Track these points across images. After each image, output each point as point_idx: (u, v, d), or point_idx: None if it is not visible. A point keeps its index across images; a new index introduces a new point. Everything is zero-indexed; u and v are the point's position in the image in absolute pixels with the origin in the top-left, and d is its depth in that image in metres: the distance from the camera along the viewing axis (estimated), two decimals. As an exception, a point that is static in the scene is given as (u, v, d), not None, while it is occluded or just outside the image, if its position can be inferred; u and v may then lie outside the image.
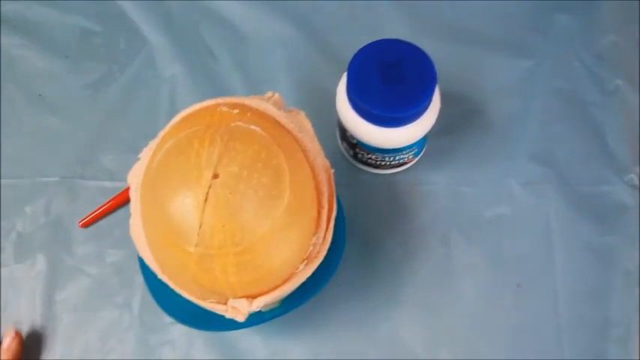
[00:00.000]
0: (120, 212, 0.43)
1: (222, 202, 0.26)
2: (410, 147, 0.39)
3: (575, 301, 0.40)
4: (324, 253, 0.31)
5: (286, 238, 0.28)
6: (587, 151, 0.44)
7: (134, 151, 0.33)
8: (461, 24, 0.49)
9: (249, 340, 0.39)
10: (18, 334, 0.39)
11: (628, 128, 0.45)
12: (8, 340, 0.39)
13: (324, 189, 0.32)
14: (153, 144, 0.32)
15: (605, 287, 0.40)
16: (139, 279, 0.40)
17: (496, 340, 0.40)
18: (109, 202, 0.43)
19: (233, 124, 0.29)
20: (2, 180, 0.44)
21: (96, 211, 0.43)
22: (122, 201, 0.43)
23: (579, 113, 0.46)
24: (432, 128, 0.39)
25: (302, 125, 0.33)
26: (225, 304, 0.30)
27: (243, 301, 0.29)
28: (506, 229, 0.42)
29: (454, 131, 0.45)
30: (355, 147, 0.40)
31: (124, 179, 0.32)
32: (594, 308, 0.40)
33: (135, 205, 0.31)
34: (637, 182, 0.43)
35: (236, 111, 0.30)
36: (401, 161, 0.41)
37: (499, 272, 0.41)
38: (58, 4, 0.50)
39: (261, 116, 0.31)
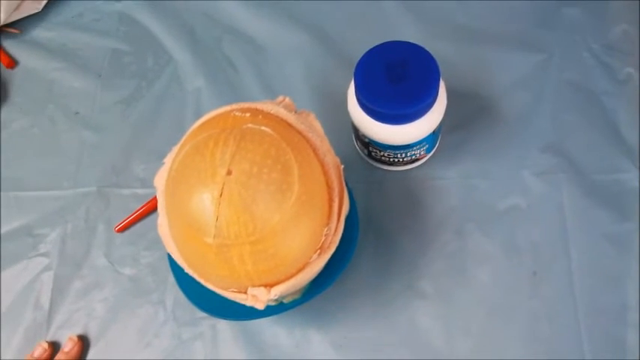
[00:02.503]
0: (153, 217, 0.47)
1: (236, 196, 0.29)
2: (420, 143, 0.41)
3: (591, 288, 0.41)
4: (336, 243, 0.33)
5: (297, 229, 0.31)
6: (600, 140, 0.45)
7: (163, 160, 0.35)
8: (470, 23, 0.50)
9: (273, 331, 0.42)
10: (80, 340, 0.42)
11: (641, 115, 0.45)
12: (70, 345, 0.42)
13: (335, 184, 0.34)
14: (175, 149, 0.35)
15: (622, 273, 0.41)
16: (172, 278, 0.43)
17: (513, 327, 0.40)
18: (142, 207, 0.46)
19: (245, 126, 0.31)
20: (46, 192, 0.48)
21: (130, 216, 0.46)
22: (154, 206, 0.46)
23: (591, 103, 0.46)
24: (444, 125, 0.40)
25: (312, 125, 0.35)
26: (245, 293, 0.32)
27: (262, 289, 0.31)
28: (521, 220, 0.43)
29: (466, 127, 0.46)
30: (368, 146, 0.42)
31: (156, 186, 0.35)
32: (611, 294, 0.40)
33: (161, 205, 0.34)
34: (651, 168, 0.43)
35: (248, 114, 0.32)
36: (413, 157, 0.43)
37: (514, 261, 0.42)
38: (91, 29, 0.54)
39: (272, 118, 0.33)
